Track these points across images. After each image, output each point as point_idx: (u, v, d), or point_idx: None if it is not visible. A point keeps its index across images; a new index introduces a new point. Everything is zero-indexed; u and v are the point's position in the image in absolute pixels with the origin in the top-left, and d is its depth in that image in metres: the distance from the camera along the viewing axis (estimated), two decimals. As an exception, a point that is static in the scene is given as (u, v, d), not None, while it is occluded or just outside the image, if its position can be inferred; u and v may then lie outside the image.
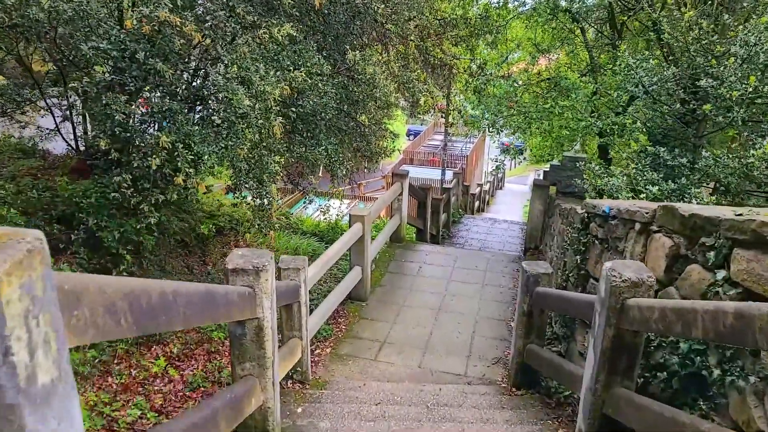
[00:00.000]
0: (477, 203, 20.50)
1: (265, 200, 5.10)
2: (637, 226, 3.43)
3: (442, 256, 8.21)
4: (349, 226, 6.28)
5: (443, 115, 10.32)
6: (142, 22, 3.99)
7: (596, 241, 4.16)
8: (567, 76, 6.99)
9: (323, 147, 5.85)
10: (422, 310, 6.42)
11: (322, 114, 5.97)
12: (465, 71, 8.50)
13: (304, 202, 22.37)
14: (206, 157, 4.22)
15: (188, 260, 7.35)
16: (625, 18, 7.86)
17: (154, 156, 4.02)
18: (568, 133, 6.36)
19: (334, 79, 6.29)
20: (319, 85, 5.88)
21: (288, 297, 4.05)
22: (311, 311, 5.59)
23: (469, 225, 13.96)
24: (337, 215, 13.12)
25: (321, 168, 7.22)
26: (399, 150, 9.01)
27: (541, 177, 17.85)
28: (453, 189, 13.60)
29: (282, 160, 5.97)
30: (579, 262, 4.34)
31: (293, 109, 5.82)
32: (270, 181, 5.15)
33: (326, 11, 6.26)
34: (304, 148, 5.88)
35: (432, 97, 7.24)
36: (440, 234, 11.61)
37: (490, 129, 7.63)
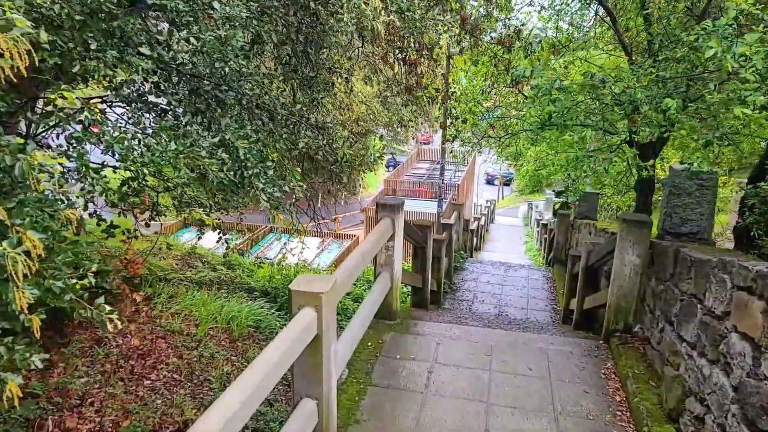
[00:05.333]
0: (475, 240, 17.21)
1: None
2: None
3: (465, 347, 4.75)
4: (291, 315, 2.88)
5: (440, 120, 7.17)
6: None
7: None
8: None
9: (218, 138, 2.46)
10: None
11: (220, 65, 2.60)
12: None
13: (266, 241, 18.70)
14: None
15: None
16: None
17: None
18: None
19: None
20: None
21: None
22: None
23: (476, 273, 10.58)
24: (300, 261, 9.63)
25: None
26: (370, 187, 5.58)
27: (555, 205, 14.60)
28: (455, 225, 10.26)
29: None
30: None
31: (147, 53, 2.49)
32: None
33: None
34: (174, 143, 2.48)
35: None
36: (441, 288, 8.22)
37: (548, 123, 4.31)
